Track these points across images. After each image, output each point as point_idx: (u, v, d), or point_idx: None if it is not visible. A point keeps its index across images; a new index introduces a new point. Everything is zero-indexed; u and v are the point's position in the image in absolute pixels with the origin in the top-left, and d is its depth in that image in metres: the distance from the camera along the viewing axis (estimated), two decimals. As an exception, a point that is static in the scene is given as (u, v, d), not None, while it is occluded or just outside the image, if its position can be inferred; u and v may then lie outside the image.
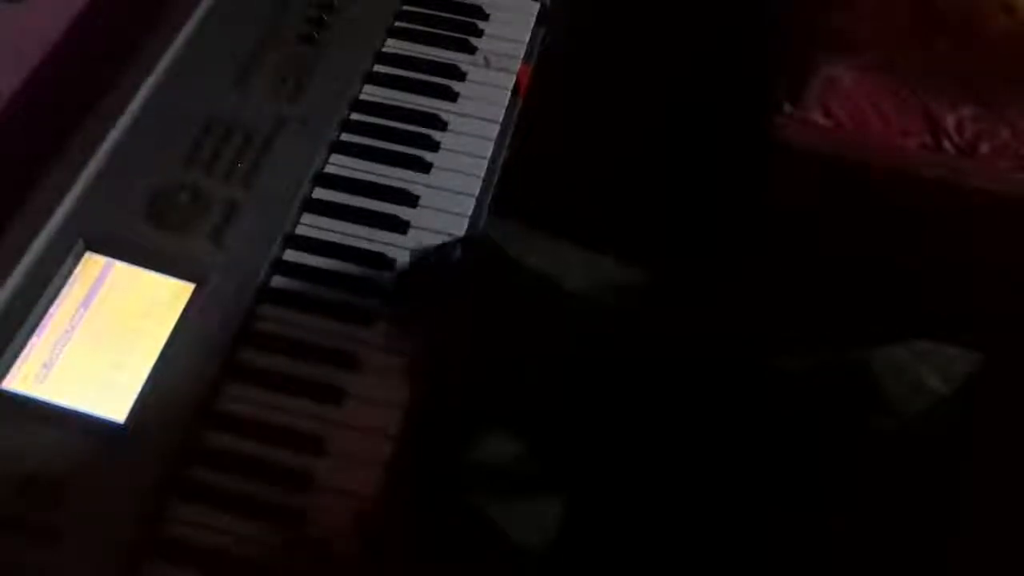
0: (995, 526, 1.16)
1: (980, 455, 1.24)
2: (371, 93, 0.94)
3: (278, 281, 0.81)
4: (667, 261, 1.44)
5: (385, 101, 0.94)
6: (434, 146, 0.91)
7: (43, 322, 0.75)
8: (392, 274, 0.82)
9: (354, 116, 0.92)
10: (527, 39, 0.99)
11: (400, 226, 0.85)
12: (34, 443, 0.70)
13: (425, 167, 0.89)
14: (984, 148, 1.16)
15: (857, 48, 1.20)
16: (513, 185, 0.96)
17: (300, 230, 0.85)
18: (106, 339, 0.75)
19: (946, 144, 1.17)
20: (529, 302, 1.41)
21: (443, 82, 0.95)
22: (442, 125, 0.92)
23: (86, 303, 0.77)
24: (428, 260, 0.82)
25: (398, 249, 0.84)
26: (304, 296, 0.80)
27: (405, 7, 1.00)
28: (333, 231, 0.85)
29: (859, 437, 1.31)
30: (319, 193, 0.87)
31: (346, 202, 0.87)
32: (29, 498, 0.67)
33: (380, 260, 0.83)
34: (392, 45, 0.98)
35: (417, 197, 0.87)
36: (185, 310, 0.77)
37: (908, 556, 1.17)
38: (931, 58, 1.20)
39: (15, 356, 0.73)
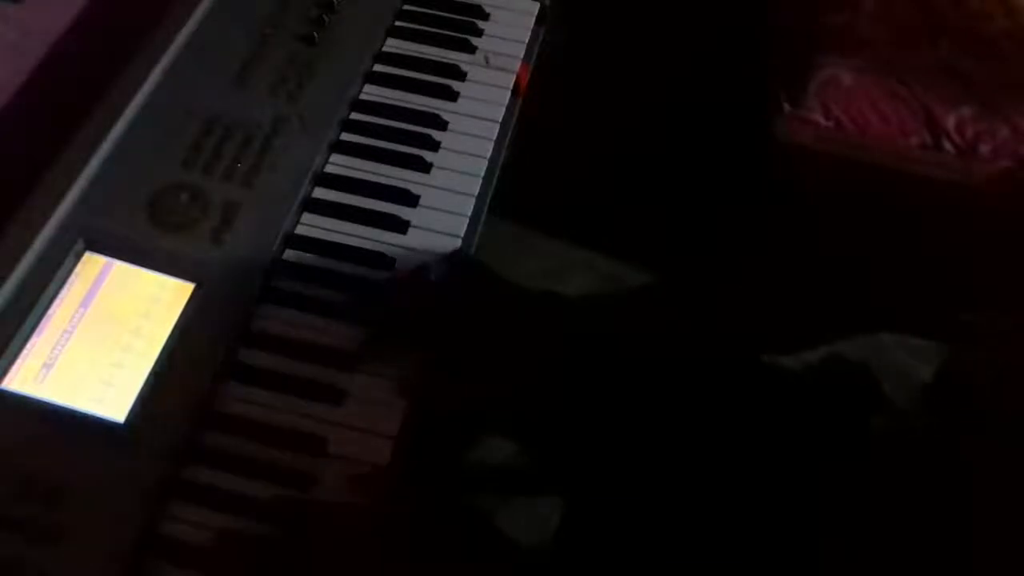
0: (996, 528, 1.16)
1: (979, 455, 1.24)
2: (371, 93, 0.94)
3: (278, 280, 0.81)
4: (667, 261, 1.44)
5: (385, 101, 0.94)
6: (434, 146, 0.91)
7: (43, 322, 0.75)
8: (389, 277, 0.83)
9: (354, 116, 0.92)
10: (527, 39, 0.99)
11: (400, 226, 0.85)
12: (34, 443, 0.70)
13: (425, 167, 0.89)
14: (984, 148, 1.16)
15: (857, 48, 1.20)
16: (513, 185, 0.96)
17: (300, 230, 0.85)
18: (106, 339, 0.75)
19: (946, 144, 1.17)
20: (525, 303, 1.40)
21: (443, 82, 0.95)
22: (442, 125, 0.92)
23: (86, 303, 0.77)
24: (416, 279, 0.82)
25: (398, 249, 0.84)
26: (304, 296, 0.80)
27: (405, 7, 1.00)
28: (333, 231, 0.85)
29: (859, 437, 1.31)
30: (319, 193, 0.87)
31: (346, 202, 0.87)
32: (29, 498, 0.67)
33: (380, 260, 0.83)
34: (392, 45, 0.98)
35: (417, 197, 0.87)
36: (185, 310, 0.77)
37: (908, 552, 1.17)
38: (931, 58, 1.20)
39: (15, 356, 0.73)
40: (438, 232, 0.85)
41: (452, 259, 0.83)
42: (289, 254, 0.83)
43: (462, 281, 0.84)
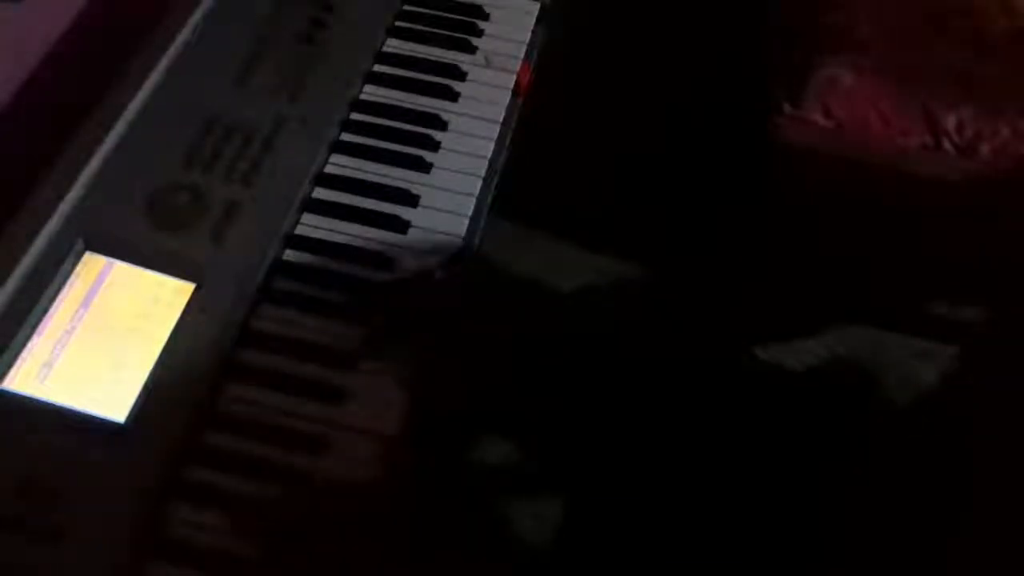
0: (995, 525, 1.16)
1: (979, 454, 1.24)
2: (371, 93, 0.94)
3: (278, 281, 0.81)
4: (667, 261, 1.44)
5: (385, 101, 0.94)
6: (434, 146, 0.91)
7: (43, 322, 0.75)
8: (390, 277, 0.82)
9: (354, 116, 0.92)
10: (527, 39, 0.99)
11: (400, 226, 0.85)
12: (34, 443, 0.70)
13: (425, 167, 0.89)
14: (984, 148, 1.16)
15: (857, 48, 1.20)
16: (513, 185, 0.96)
17: (300, 230, 0.85)
18: (106, 339, 0.75)
19: (946, 144, 1.17)
20: (526, 303, 1.41)
21: (443, 82, 0.95)
22: (442, 125, 0.92)
23: (86, 303, 0.77)
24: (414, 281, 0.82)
25: (398, 249, 0.84)
26: (304, 296, 0.80)
27: (405, 7, 1.00)
28: (333, 231, 0.85)
29: (859, 437, 1.31)
30: (319, 193, 0.87)
31: (346, 202, 0.87)
32: (29, 498, 0.67)
33: (380, 260, 0.83)
34: (392, 45, 0.98)
35: (417, 197, 0.87)
36: (185, 310, 0.76)
37: (908, 552, 1.17)
38: (931, 58, 1.20)
39: (15, 356, 0.73)
40: (438, 232, 0.85)
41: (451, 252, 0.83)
42: (289, 254, 0.83)
43: (461, 277, 0.84)
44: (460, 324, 0.85)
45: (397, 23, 0.99)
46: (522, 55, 0.98)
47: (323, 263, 0.83)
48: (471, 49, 0.98)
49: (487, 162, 0.90)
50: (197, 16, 0.92)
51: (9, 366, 0.73)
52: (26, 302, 0.75)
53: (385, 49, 0.97)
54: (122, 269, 0.79)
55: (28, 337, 0.74)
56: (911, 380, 1.36)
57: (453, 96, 0.94)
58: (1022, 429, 1.14)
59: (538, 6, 1.02)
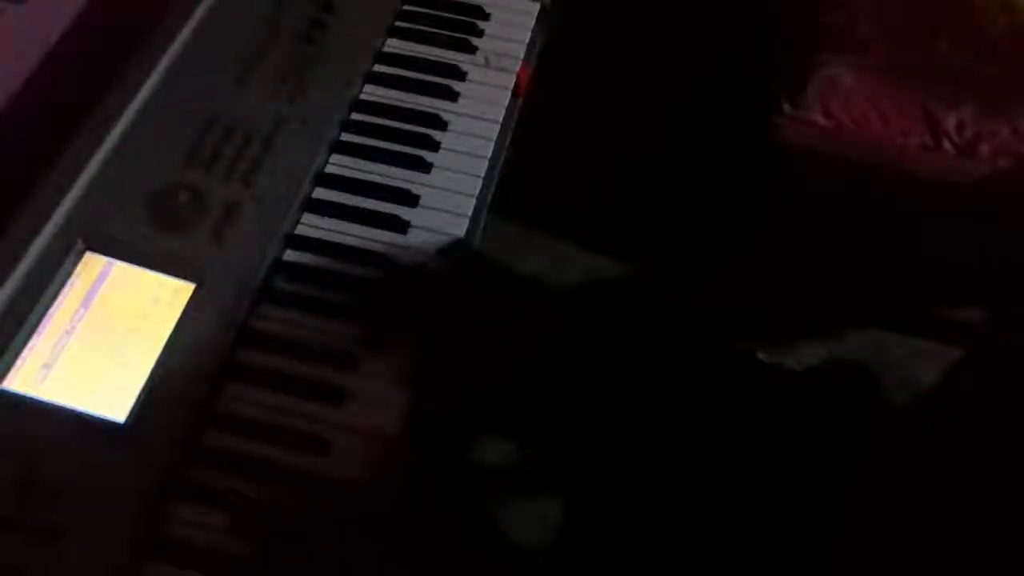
0: (995, 525, 1.16)
1: (979, 454, 1.24)
2: (371, 93, 0.94)
3: (278, 281, 0.81)
4: (667, 261, 1.44)
5: (385, 101, 0.94)
6: (434, 146, 0.91)
7: (43, 322, 0.75)
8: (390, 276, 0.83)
9: (354, 116, 0.92)
10: (527, 39, 0.99)
11: (400, 226, 0.85)
12: (34, 443, 0.70)
13: (425, 167, 0.89)
14: (984, 148, 1.16)
15: (857, 48, 1.20)
16: (513, 185, 0.96)
17: (300, 230, 0.85)
18: (106, 339, 0.75)
19: (946, 144, 1.17)
20: (526, 303, 1.41)
21: (443, 82, 0.95)
22: (442, 125, 0.92)
23: (86, 303, 0.77)
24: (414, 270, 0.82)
25: (398, 249, 0.84)
26: (304, 296, 0.80)
27: (405, 7, 1.00)
28: (333, 231, 0.85)
29: (859, 437, 1.31)
30: (319, 193, 0.87)
31: (346, 202, 0.87)
32: (29, 498, 0.67)
33: (380, 260, 0.83)
34: (392, 45, 0.98)
35: (417, 197, 0.87)
36: (185, 310, 0.76)
37: (908, 551, 1.17)
38: (931, 58, 1.20)
39: (15, 356, 0.73)
40: (438, 232, 0.85)
41: (450, 248, 0.84)
42: (289, 254, 0.83)
43: (460, 273, 0.84)
44: (460, 324, 0.85)
45: (397, 23, 0.99)
46: (522, 55, 0.98)
47: (323, 263, 0.83)
48: (471, 49, 0.98)
49: (487, 162, 0.90)
50: (197, 16, 0.92)
51: (9, 366, 0.73)
52: (26, 302, 0.75)
53: (385, 49, 0.97)
54: (122, 269, 0.79)
55: (28, 337, 0.74)
56: (911, 380, 1.36)
57: (453, 96, 0.94)
58: (1022, 429, 1.14)
59: (538, 6, 1.02)
